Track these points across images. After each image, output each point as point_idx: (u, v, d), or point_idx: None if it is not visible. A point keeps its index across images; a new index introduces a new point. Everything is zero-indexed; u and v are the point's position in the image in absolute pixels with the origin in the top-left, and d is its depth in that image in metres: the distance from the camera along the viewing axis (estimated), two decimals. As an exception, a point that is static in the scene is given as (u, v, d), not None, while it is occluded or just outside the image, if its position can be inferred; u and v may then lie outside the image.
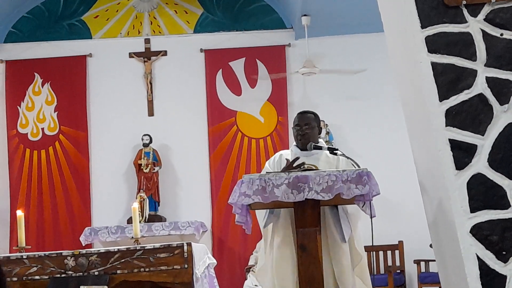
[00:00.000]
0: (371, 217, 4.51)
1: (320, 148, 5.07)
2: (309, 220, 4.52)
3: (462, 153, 3.57)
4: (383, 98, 9.93)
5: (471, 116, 3.59)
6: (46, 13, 10.64)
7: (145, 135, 10.13)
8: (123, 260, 5.12)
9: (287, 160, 4.91)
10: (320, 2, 9.61)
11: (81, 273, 5.11)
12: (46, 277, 5.13)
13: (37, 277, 5.14)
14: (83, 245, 9.49)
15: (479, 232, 3.53)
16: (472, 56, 3.62)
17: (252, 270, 9.21)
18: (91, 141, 10.38)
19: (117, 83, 10.45)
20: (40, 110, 10.41)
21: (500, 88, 3.60)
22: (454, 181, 3.56)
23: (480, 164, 3.56)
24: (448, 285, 3.99)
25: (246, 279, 9.26)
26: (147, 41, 10.59)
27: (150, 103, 10.44)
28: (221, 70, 10.44)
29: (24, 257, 5.20)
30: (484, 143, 3.57)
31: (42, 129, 10.38)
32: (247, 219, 4.63)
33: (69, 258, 5.15)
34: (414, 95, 3.89)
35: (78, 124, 10.37)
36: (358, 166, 4.62)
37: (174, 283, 5.08)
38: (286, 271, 4.78)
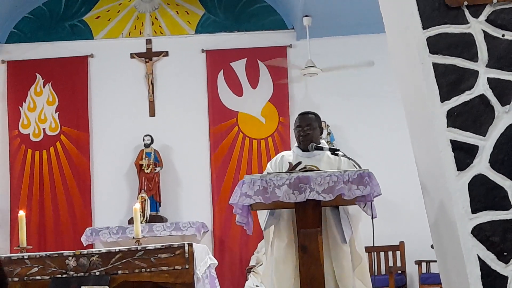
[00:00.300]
0: (372, 218, 4.52)
1: (321, 148, 5.07)
2: (310, 220, 4.52)
3: (463, 154, 3.57)
4: (385, 99, 9.92)
5: (473, 117, 3.59)
6: (47, 13, 10.64)
7: (146, 135, 10.13)
8: (124, 261, 5.12)
9: (290, 163, 4.91)
10: (321, 3, 9.61)
11: (82, 274, 5.11)
12: (47, 277, 5.13)
13: (38, 277, 5.14)
14: (84, 245, 9.49)
15: (480, 233, 3.53)
16: (474, 57, 3.62)
17: (253, 271, 9.21)
18: (93, 142, 10.38)
19: (118, 83, 10.45)
20: (41, 111, 10.41)
21: (501, 89, 3.60)
22: (455, 182, 3.56)
23: (481, 165, 3.56)
24: (449, 286, 3.98)
25: (247, 280, 9.26)
26: (148, 41, 10.59)
27: (152, 103, 10.44)
28: (222, 70, 10.43)
29: (26, 257, 5.20)
30: (486, 144, 3.57)
31: (44, 129, 10.38)
32: (248, 219, 4.63)
33: (70, 258, 5.15)
34: (415, 96, 3.89)
35: (79, 125, 10.37)
36: (360, 167, 4.62)
37: (175, 284, 5.08)
38: (286, 272, 4.79)
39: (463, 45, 3.63)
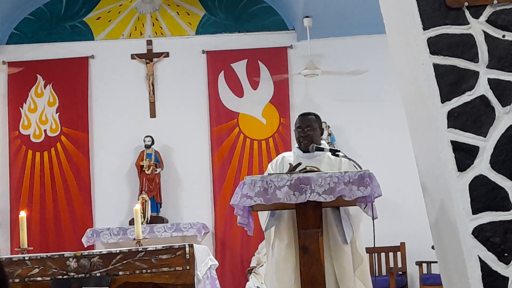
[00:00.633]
0: (373, 219, 4.52)
1: (322, 149, 5.07)
2: (311, 221, 4.52)
3: (464, 155, 3.57)
4: (385, 100, 9.93)
5: (473, 117, 3.59)
6: (48, 14, 10.65)
7: (147, 136, 10.13)
8: (125, 262, 5.12)
9: (290, 164, 4.91)
10: (322, 4, 9.62)
11: (83, 275, 5.11)
12: (48, 278, 5.13)
13: (39, 278, 5.14)
14: (85, 246, 9.49)
15: (481, 233, 3.53)
16: (474, 58, 3.62)
17: (254, 272, 9.21)
18: (93, 143, 10.39)
19: (119, 84, 10.46)
20: (42, 112, 10.41)
21: (502, 90, 3.60)
22: (456, 182, 3.56)
23: (482, 166, 3.56)
24: (450, 287, 3.98)
25: (248, 281, 9.25)
26: (149, 42, 10.60)
27: (152, 104, 10.44)
28: (223, 71, 10.44)
29: (26, 258, 5.20)
30: (486, 145, 3.57)
31: (45, 130, 10.38)
32: (249, 220, 4.63)
33: (71, 259, 5.15)
34: (416, 97, 3.89)
35: (80, 126, 10.37)
36: (360, 168, 4.62)
37: (176, 285, 5.08)
38: (287, 272, 4.79)
39: (464, 46, 3.63)
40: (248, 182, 4.47)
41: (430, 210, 4.16)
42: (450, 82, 3.61)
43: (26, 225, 5.65)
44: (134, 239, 5.57)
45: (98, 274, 5.11)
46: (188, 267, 5.11)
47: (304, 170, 4.73)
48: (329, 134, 9.98)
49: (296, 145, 5.24)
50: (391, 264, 9.65)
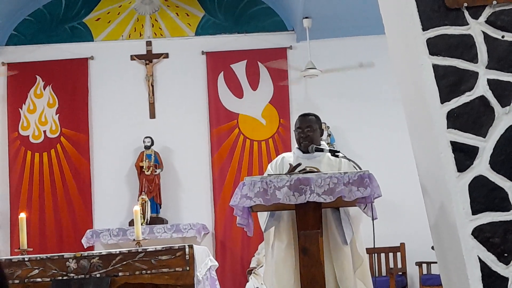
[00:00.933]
0: (372, 219, 4.52)
1: (321, 150, 5.07)
2: (311, 222, 4.52)
3: (463, 155, 3.57)
4: (385, 100, 9.93)
5: (473, 118, 3.59)
6: (47, 16, 10.65)
7: (146, 137, 10.13)
8: (125, 263, 5.13)
9: (290, 165, 4.92)
10: (321, 5, 9.62)
11: (83, 276, 5.11)
12: (48, 279, 5.13)
13: (39, 279, 5.14)
14: (85, 247, 9.49)
15: (480, 234, 3.53)
16: (474, 59, 3.62)
17: (254, 272, 9.21)
18: (93, 144, 10.38)
19: (118, 85, 10.46)
20: (41, 113, 10.41)
21: (501, 90, 3.60)
22: (455, 183, 3.56)
23: (481, 166, 3.56)
24: (450, 287, 3.98)
25: (248, 281, 9.25)
26: (148, 43, 10.60)
27: (152, 105, 10.44)
28: (222, 72, 10.44)
29: (26, 259, 5.21)
30: (486, 145, 3.57)
31: (44, 131, 10.38)
32: (248, 221, 4.63)
33: (71, 260, 5.15)
34: (415, 97, 3.89)
35: (79, 127, 10.37)
36: (360, 168, 4.62)
37: (176, 286, 5.09)
38: (286, 273, 4.79)
39: (463, 47, 3.63)
40: (248, 182, 4.47)
41: (429, 210, 4.16)
42: (450, 83, 3.61)
43: (26, 226, 5.65)
44: (134, 240, 5.58)
45: (98, 275, 5.11)
46: (188, 268, 5.11)
47: (304, 171, 4.73)
48: (329, 135, 9.99)
49: (296, 146, 5.24)
50: (391, 265, 9.66)
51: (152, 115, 10.43)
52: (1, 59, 10.48)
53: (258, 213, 4.85)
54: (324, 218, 4.69)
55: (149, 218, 9.81)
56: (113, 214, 10.13)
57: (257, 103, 10.37)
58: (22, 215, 5.61)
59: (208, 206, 10.22)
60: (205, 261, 5.65)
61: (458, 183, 3.55)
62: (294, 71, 10.35)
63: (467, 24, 3.65)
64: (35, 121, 10.40)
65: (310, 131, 5.12)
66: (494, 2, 3.63)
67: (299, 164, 4.81)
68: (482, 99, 3.60)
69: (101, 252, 5.23)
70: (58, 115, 10.40)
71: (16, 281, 5.11)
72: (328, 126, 9.86)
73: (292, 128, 5.46)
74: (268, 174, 4.78)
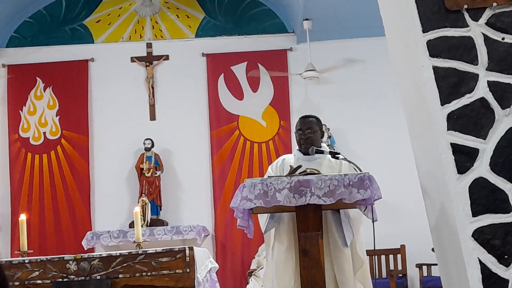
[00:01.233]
0: (372, 221, 4.52)
1: (322, 152, 5.07)
2: (311, 224, 4.52)
3: (464, 157, 3.57)
4: (385, 102, 9.93)
5: (473, 120, 3.59)
6: (48, 17, 10.66)
7: (147, 139, 10.13)
8: (125, 265, 5.12)
9: (291, 166, 4.92)
10: (321, 7, 9.62)
11: (83, 278, 5.11)
12: (48, 281, 5.13)
13: (39, 281, 5.14)
14: (85, 249, 9.49)
15: (481, 236, 3.53)
16: (474, 60, 3.63)
17: (254, 274, 9.21)
18: (93, 146, 10.38)
19: (119, 87, 10.46)
20: (42, 115, 10.41)
21: (501, 92, 3.60)
22: (456, 185, 3.56)
23: (482, 168, 3.56)
24: (450, 289, 3.98)
25: (248, 283, 9.25)
26: (149, 45, 10.60)
27: (152, 107, 10.44)
28: (223, 74, 10.44)
29: (26, 261, 5.20)
30: (486, 147, 3.58)
31: (44, 133, 10.38)
32: (249, 223, 4.63)
33: (71, 262, 5.15)
34: (415, 99, 3.89)
35: (79, 129, 10.37)
36: (360, 170, 4.62)
37: (176, 288, 5.09)
38: (286, 275, 4.79)
39: (463, 48, 3.63)
40: (248, 184, 4.47)
41: (430, 212, 4.16)
42: (450, 85, 3.62)
43: (26, 228, 5.65)
44: (134, 242, 5.58)
45: (98, 277, 5.11)
46: (188, 270, 5.11)
47: (304, 173, 4.73)
48: (329, 137, 9.99)
49: (297, 148, 5.25)
50: (391, 267, 9.65)
51: (153, 117, 10.43)
52: (1, 61, 10.48)
53: (258, 214, 4.85)
54: (324, 220, 4.68)
55: (149, 220, 9.81)
56: (113, 216, 10.13)
57: (258, 105, 10.37)
58: (23, 217, 5.61)
59: (209, 208, 10.22)
60: (205, 263, 5.65)
61: (458, 185, 3.55)
62: (294, 73, 10.35)
63: (467, 26, 3.65)
64: (35, 123, 10.40)
65: (311, 133, 5.12)
66: (494, 4, 3.63)
67: (299, 166, 4.81)
68: (482, 101, 3.60)
69: (101, 254, 5.23)
70: (58, 117, 10.40)
71: (17, 283, 5.11)
72: (328, 128, 9.85)
73: (293, 130, 5.46)
74: (268, 176, 4.77)
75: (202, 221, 10.04)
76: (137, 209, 5.79)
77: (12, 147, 10.33)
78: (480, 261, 3.51)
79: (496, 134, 3.58)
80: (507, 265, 3.50)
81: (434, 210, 4.03)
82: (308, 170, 4.85)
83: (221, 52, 10.49)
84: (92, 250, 9.63)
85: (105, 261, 5.14)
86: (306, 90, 10.38)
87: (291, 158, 5.18)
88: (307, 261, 4.47)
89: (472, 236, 3.53)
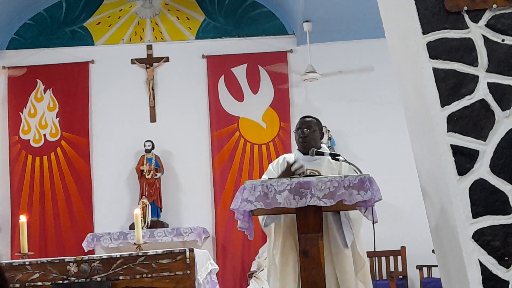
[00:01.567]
0: (373, 223, 4.52)
1: (322, 153, 5.08)
2: (312, 225, 4.52)
3: (464, 159, 3.57)
4: (385, 103, 9.94)
5: (473, 121, 3.59)
6: (48, 19, 10.66)
7: (147, 141, 10.13)
8: (125, 266, 5.13)
9: (287, 162, 4.92)
10: (321, 8, 9.63)
11: (84, 279, 5.11)
12: (49, 283, 5.14)
13: (39, 283, 5.15)
14: (85, 251, 9.48)
15: (481, 237, 3.53)
16: (474, 62, 3.63)
17: (255, 276, 9.20)
18: (93, 147, 10.38)
19: (119, 89, 10.46)
20: (42, 116, 10.42)
21: (501, 94, 3.60)
22: (456, 186, 3.56)
23: (482, 170, 3.57)
24: (451, 291, 3.98)
25: (248, 285, 9.25)
26: (149, 47, 10.61)
27: (152, 109, 10.45)
28: (223, 76, 10.44)
29: (27, 263, 5.21)
30: (486, 149, 3.58)
31: (44, 135, 10.38)
32: (249, 225, 4.64)
33: (71, 264, 5.15)
34: (416, 101, 3.90)
35: (80, 130, 10.37)
36: (360, 172, 4.63)
37: (176, 289, 5.09)
38: (289, 277, 4.79)
39: (463, 50, 3.63)
40: (248, 186, 4.47)
41: (430, 214, 4.17)
42: (450, 86, 3.62)
43: (26, 230, 5.65)
44: (135, 243, 5.58)
45: (98, 279, 5.11)
46: (188, 272, 5.11)
47: (304, 175, 4.73)
48: (329, 138, 9.99)
49: (297, 148, 5.25)
50: (392, 268, 9.65)
51: (153, 118, 10.43)
52: (2, 63, 10.49)
53: (258, 215, 4.86)
54: (324, 222, 4.68)
55: (149, 222, 9.81)
56: (114, 218, 10.13)
57: (258, 107, 10.38)
58: (23, 219, 5.61)
59: (209, 209, 10.22)
60: (205, 265, 5.65)
61: (458, 187, 3.56)
62: (294, 74, 10.35)
63: (467, 27, 3.65)
64: (36, 124, 10.40)
65: (310, 132, 5.12)
66: (494, 6, 3.63)
67: (295, 162, 4.82)
68: (482, 102, 3.60)
69: (101, 256, 5.23)
70: (58, 118, 10.41)
71: (17, 285, 5.11)
72: (328, 130, 9.86)
73: (293, 131, 5.46)
74: (268, 178, 4.77)
75: (203, 223, 10.04)
76: (138, 211, 5.80)
77: (12, 149, 10.33)
78: (480, 262, 3.51)
79: (496, 135, 3.58)
80: (507, 267, 3.50)
81: (434, 212, 4.03)
82: (308, 172, 4.85)
83: (221, 54, 10.50)
84: (92, 252, 9.62)
85: (106, 263, 5.14)
86: (306, 91, 10.38)
87: (292, 158, 5.18)
88: (308, 262, 4.47)
89: (473, 237, 3.53)
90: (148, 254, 5.16)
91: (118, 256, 5.17)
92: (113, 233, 9.71)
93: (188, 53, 10.52)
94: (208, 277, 5.68)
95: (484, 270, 3.50)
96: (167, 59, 10.57)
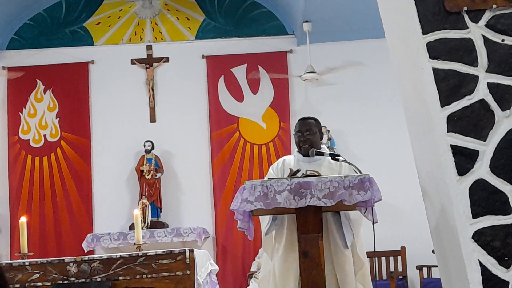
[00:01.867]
0: (373, 223, 4.52)
1: (322, 154, 5.07)
2: (312, 226, 4.52)
3: (464, 159, 3.57)
4: (385, 104, 9.94)
5: (473, 121, 3.59)
6: (48, 20, 10.66)
7: (147, 141, 10.13)
8: (125, 267, 5.13)
9: (290, 169, 4.91)
10: (321, 9, 9.63)
11: (84, 280, 5.11)
12: (49, 283, 5.13)
13: (39, 283, 5.14)
14: (85, 251, 9.48)
15: (481, 237, 3.53)
16: (474, 62, 3.63)
17: (255, 276, 9.20)
18: (93, 148, 10.39)
19: (119, 89, 10.46)
20: (42, 117, 10.42)
21: (501, 94, 3.60)
22: (456, 186, 3.56)
23: (482, 170, 3.56)
24: (451, 291, 3.98)
25: (248, 285, 9.25)
26: (149, 47, 10.61)
27: (152, 109, 10.45)
28: (223, 76, 10.45)
29: (27, 263, 5.21)
30: (486, 149, 3.57)
31: (44, 135, 10.39)
32: (249, 225, 4.63)
33: (71, 264, 5.15)
34: (415, 101, 3.90)
35: (80, 131, 10.38)
36: (360, 172, 4.62)
37: (176, 290, 5.09)
38: (289, 277, 4.79)
39: (463, 50, 3.63)
40: (248, 186, 4.46)
41: (430, 214, 4.16)
42: (450, 86, 3.61)
43: (26, 230, 5.65)
44: (135, 244, 5.58)
45: (98, 279, 5.11)
46: (188, 272, 5.11)
47: (304, 175, 4.73)
48: (329, 139, 9.99)
49: (296, 149, 5.25)
50: (392, 269, 9.65)
51: (153, 119, 10.44)
52: (1, 63, 10.49)
53: (260, 217, 4.86)
54: (324, 222, 4.68)
55: (149, 222, 9.81)
56: (114, 218, 10.13)
57: (258, 107, 10.38)
58: (23, 219, 5.61)
59: (209, 210, 10.22)
60: (205, 265, 5.65)
61: (458, 187, 3.55)
62: (294, 74, 10.35)
63: (467, 27, 3.65)
64: (36, 125, 10.40)
65: (310, 135, 5.12)
66: (494, 6, 3.63)
67: (298, 170, 4.82)
68: (482, 102, 3.60)
69: (101, 256, 5.23)
70: (58, 119, 10.41)
71: (17, 286, 5.11)
72: (328, 130, 9.86)
73: (293, 131, 5.46)
74: (269, 178, 4.77)
75: (203, 223, 10.04)
76: (137, 211, 5.80)
77: (12, 149, 10.33)
78: (480, 263, 3.51)
79: (496, 135, 3.58)
80: (507, 267, 3.50)
81: (434, 212, 4.03)
82: (308, 172, 4.85)
83: (221, 54, 10.50)
84: (92, 252, 9.63)
85: (106, 263, 5.14)
86: (306, 92, 10.39)
87: (292, 160, 5.18)
88: (308, 262, 4.47)
89: (472, 237, 3.53)
90: (148, 254, 5.16)
91: (118, 256, 5.16)
92: (113, 233, 9.70)
93: (188, 53, 10.52)
94: (208, 278, 5.68)
95: (484, 271, 3.50)
96: (167, 59, 10.57)
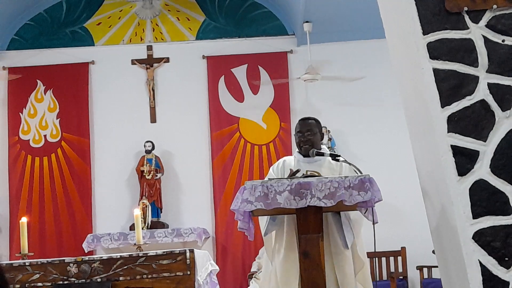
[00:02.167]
0: (373, 223, 4.52)
1: (322, 154, 5.08)
2: (312, 226, 4.52)
3: (464, 159, 3.57)
4: (385, 104, 9.94)
5: (473, 122, 3.59)
6: (48, 20, 10.66)
7: (147, 141, 10.13)
8: (125, 267, 5.13)
9: (291, 170, 4.92)
10: (322, 9, 9.63)
11: (84, 280, 5.11)
12: (49, 284, 5.14)
13: (39, 284, 5.14)
14: (86, 252, 9.48)
15: (481, 238, 3.53)
16: (474, 62, 3.63)
17: (255, 277, 9.20)
18: (94, 148, 10.39)
19: (119, 90, 10.46)
20: (42, 117, 10.42)
21: (502, 94, 3.60)
22: (456, 187, 3.56)
23: (482, 170, 3.56)
24: (451, 291, 3.98)
25: (248, 286, 9.25)
26: (149, 48, 10.61)
27: (153, 109, 10.45)
28: (223, 76, 10.45)
29: (27, 264, 5.21)
30: (486, 149, 3.57)
31: (45, 136, 10.38)
32: (249, 225, 4.64)
33: (71, 265, 5.15)
34: (416, 101, 3.90)
35: (80, 131, 10.38)
36: (360, 172, 4.63)
37: (176, 290, 5.09)
38: (290, 277, 4.79)
39: (463, 51, 3.63)
40: (249, 187, 4.47)
41: (430, 214, 4.16)
42: (450, 87, 3.61)
43: (26, 231, 5.65)
44: (135, 244, 5.58)
45: (99, 280, 5.11)
46: (188, 272, 5.11)
47: (305, 175, 4.73)
48: (330, 139, 9.99)
49: (297, 150, 5.25)
50: (392, 269, 9.65)
51: (153, 119, 10.44)
52: (2, 63, 10.49)
53: (259, 217, 4.86)
54: (325, 222, 4.68)
55: (150, 223, 9.81)
56: (114, 219, 10.13)
57: (258, 107, 10.38)
58: (23, 220, 5.62)
59: (209, 210, 10.22)
60: (205, 265, 5.65)
61: (459, 187, 3.55)
62: (294, 75, 10.35)
63: (468, 28, 3.65)
64: (36, 125, 10.40)
65: (310, 135, 5.12)
66: (495, 6, 3.63)
67: (298, 170, 4.82)
68: (482, 103, 3.60)
69: (102, 257, 5.23)
70: (58, 119, 10.41)
71: (17, 286, 5.11)
72: (328, 130, 9.86)
73: (293, 132, 5.46)
74: (269, 178, 4.78)
75: (203, 224, 10.04)
76: (138, 212, 5.80)
77: (12, 150, 10.33)
78: (480, 263, 3.51)
79: (496, 136, 3.58)
80: (507, 267, 3.50)
81: (434, 212, 4.03)
82: (308, 172, 4.85)
83: (222, 54, 10.50)
84: (92, 252, 9.63)
85: (106, 263, 5.14)
86: (307, 92, 10.38)
87: (292, 160, 5.19)
88: (308, 263, 4.47)
89: (473, 238, 3.53)
90: (148, 254, 5.16)
91: (118, 256, 5.16)
92: (113, 233, 9.70)
93: (188, 54, 10.52)
94: (208, 278, 5.68)
95: (485, 271, 3.50)
96: (167, 60, 10.57)
